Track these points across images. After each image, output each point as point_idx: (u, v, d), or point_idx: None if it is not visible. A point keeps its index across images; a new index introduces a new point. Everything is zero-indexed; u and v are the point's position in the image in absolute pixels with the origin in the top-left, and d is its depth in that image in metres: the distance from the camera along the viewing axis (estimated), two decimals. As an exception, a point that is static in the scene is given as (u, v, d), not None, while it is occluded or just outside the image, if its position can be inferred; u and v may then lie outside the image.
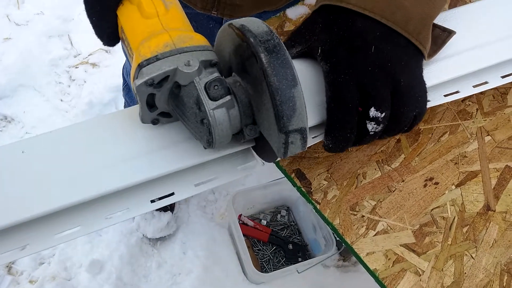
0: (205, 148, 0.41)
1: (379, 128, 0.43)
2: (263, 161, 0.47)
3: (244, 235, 1.37)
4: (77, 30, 1.97)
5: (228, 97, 0.36)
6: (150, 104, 0.39)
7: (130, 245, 1.45)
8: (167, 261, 1.44)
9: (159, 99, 0.39)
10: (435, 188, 0.55)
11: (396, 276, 0.50)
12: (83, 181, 0.41)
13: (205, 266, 1.40)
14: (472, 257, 0.52)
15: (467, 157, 0.58)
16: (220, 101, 0.35)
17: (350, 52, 0.43)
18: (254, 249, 1.45)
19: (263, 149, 0.44)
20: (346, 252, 1.40)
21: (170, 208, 1.55)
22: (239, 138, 0.41)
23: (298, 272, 1.29)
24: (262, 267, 1.42)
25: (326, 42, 0.44)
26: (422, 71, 0.46)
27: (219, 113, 0.36)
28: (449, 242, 0.52)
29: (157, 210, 1.53)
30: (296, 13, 0.66)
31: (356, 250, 0.51)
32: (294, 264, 1.31)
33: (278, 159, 0.42)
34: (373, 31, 0.43)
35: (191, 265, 1.41)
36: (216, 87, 0.35)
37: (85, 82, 1.87)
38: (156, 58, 0.36)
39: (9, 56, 1.81)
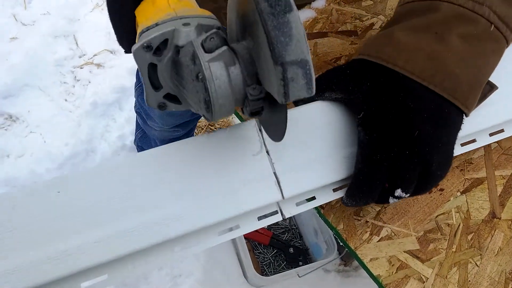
0: (205, 118, 0.36)
1: (399, 200, 0.45)
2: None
3: (245, 238, 1.37)
4: (82, 30, 1.98)
5: (224, 47, 0.32)
6: (155, 84, 0.37)
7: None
8: (167, 263, 1.44)
9: (162, 73, 0.36)
10: (440, 194, 0.55)
11: (400, 282, 0.50)
12: (129, 235, 0.41)
13: (205, 269, 1.39)
14: (477, 265, 0.51)
15: (473, 163, 0.57)
16: (216, 53, 0.32)
17: (392, 130, 0.42)
18: (255, 252, 1.45)
19: (270, 123, 0.41)
20: (347, 256, 1.39)
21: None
22: (245, 107, 0.36)
23: (299, 276, 1.29)
24: (263, 271, 1.42)
25: (370, 109, 0.44)
26: (456, 137, 0.45)
27: (216, 66, 0.32)
28: (454, 249, 0.52)
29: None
30: (302, 17, 0.66)
31: (359, 255, 0.51)
32: (294, 268, 1.30)
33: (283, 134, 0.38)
34: (420, 104, 0.42)
35: (192, 267, 1.41)
36: (212, 39, 0.33)
37: (89, 82, 1.87)
38: (156, 24, 0.35)
39: (15, 55, 1.81)
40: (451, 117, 0.44)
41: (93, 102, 1.76)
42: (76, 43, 1.97)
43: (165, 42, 0.34)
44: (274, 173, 0.46)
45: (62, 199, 0.41)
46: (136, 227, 0.41)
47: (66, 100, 1.83)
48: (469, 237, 0.53)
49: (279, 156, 0.46)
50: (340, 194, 0.48)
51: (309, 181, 0.46)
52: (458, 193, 0.55)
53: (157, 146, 1.26)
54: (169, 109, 0.40)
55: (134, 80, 1.18)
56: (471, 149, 0.53)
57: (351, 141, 0.48)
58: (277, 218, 0.46)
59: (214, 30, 0.33)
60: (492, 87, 0.48)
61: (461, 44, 0.42)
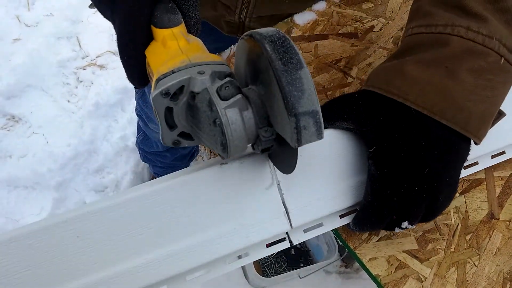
0: (221, 157, 0.41)
1: (403, 230, 0.47)
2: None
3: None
4: (85, 32, 1.99)
5: (239, 96, 0.36)
6: (170, 124, 0.40)
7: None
8: None
9: (177, 115, 0.40)
10: (439, 195, 0.55)
11: (398, 282, 0.50)
12: (145, 272, 0.43)
13: (207, 269, 1.40)
14: (475, 265, 0.52)
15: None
16: (231, 100, 0.36)
17: (403, 167, 0.43)
18: (257, 253, 1.45)
19: (280, 159, 0.44)
20: (348, 258, 1.40)
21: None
22: (256, 146, 0.41)
23: (300, 277, 1.29)
24: (264, 272, 1.42)
25: (382, 144, 0.45)
26: (462, 168, 0.47)
27: (231, 112, 0.36)
28: (452, 249, 0.52)
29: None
30: (303, 19, 0.67)
31: (358, 255, 0.51)
32: (295, 269, 1.31)
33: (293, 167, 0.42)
34: (432, 141, 0.43)
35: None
36: (227, 88, 0.36)
37: (92, 83, 1.88)
38: (172, 72, 0.37)
39: (19, 56, 1.83)
40: (460, 151, 0.45)
41: (96, 103, 1.77)
42: (79, 45, 1.98)
43: (181, 88, 0.37)
44: (284, 204, 0.47)
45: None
46: (149, 263, 0.42)
47: (68, 101, 1.84)
48: (468, 237, 0.53)
49: (288, 185, 0.47)
50: (346, 220, 0.50)
51: (317, 210, 0.48)
52: (457, 194, 0.56)
53: (159, 149, 1.26)
54: (182, 145, 0.43)
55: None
56: (473, 172, 0.54)
57: (358, 170, 0.49)
58: (285, 245, 0.48)
59: (229, 79, 0.37)
60: (500, 114, 0.49)
61: (472, 78, 0.43)
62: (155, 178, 1.54)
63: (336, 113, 0.48)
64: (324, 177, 0.48)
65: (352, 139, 0.49)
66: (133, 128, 1.68)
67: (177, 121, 0.40)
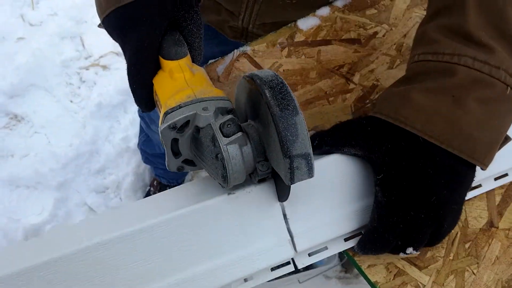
0: (222, 186, 0.44)
1: (408, 255, 0.48)
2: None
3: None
4: (89, 32, 1.99)
5: (239, 133, 0.40)
6: (175, 151, 0.44)
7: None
8: None
9: (183, 145, 0.43)
10: (439, 203, 0.55)
11: (397, 289, 0.50)
12: None
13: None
14: (474, 273, 0.52)
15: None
16: (233, 137, 0.39)
17: (410, 195, 0.44)
18: (256, 256, 1.45)
19: (275, 188, 0.47)
20: (348, 263, 1.39)
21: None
22: (254, 176, 0.44)
23: (300, 282, 1.29)
24: (263, 275, 1.42)
25: (390, 171, 0.45)
26: (467, 192, 0.48)
27: (232, 148, 0.39)
28: (451, 257, 0.52)
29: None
30: (307, 25, 0.67)
31: (357, 262, 0.51)
32: (295, 273, 1.30)
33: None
34: (439, 169, 0.44)
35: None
36: (229, 126, 0.40)
37: (95, 84, 1.89)
38: (179, 107, 0.41)
39: (22, 55, 1.83)
40: (466, 178, 0.46)
41: (98, 103, 1.78)
42: (83, 45, 1.99)
43: (187, 122, 0.41)
44: (288, 231, 0.48)
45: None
46: None
47: (71, 101, 1.84)
48: (467, 245, 0.53)
49: (294, 210, 0.48)
50: (351, 243, 0.51)
51: (321, 234, 0.49)
52: (457, 202, 0.56)
53: (161, 151, 1.28)
54: (185, 171, 0.46)
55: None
56: (477, 194, 0.55)
57: (363, 194, 0.50)
58: (290, 268, 0.49)
59: (230, 116, 0.40)
60: (506, 139, 0.50)
61: (478, 107, 0.44)
62: (156, 180, 1.55)
63: (344, 139, 0.48)
64: (329, 202, 0.49)
65: (357, 164, 0.50)
66: (135, 129, 1.68)
67: (182, 150, 0.44)
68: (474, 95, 0.44)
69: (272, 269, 0.49)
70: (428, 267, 0.52)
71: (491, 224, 0.55)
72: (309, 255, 0.50)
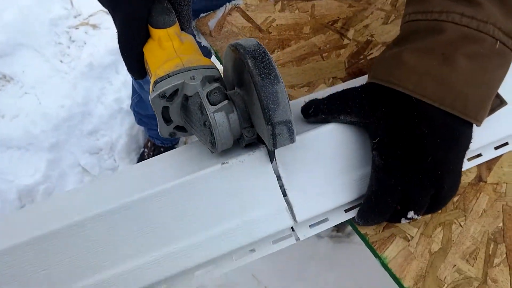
0: (211, 151, 0.45)
1: (410, 221, 0.49)
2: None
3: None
4: (77, -11, 1.94)
5: (225, 102, 0.41)
6: (166, 119, 0.45)
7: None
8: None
9: (173, 112, 0.44)
10: (429, 158, 0.56)
11: (386, 240, 0.52)
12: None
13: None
14: (461, 225, 0.53)
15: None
16: (219, 105, 0.41)
17: (407, 156, 0.45)
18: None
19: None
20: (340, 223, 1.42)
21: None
22: (241, 142, 0.46)
23: (279, 240, 1.32)
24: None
25: (386, 134, 0.46)
26: (465, 155, 0.47)
27: (219, 116, 0.41)
28: (439, 211, 0.54)
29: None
30: (300, -22, 0.65)
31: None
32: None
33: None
34: (434, 128, 0.44)
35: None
36: (215, 94, 0.41)
37: (85, 43, 1.85)
38: (168, 76, 0.42)
39: (9, 13, 1.78)
40: (462, 137, 0.46)
41: (89, 64, 1.75)
42: (71, 3, 1.93)
43: (176, 91, 0.42)
44: (287, 199, 0.48)
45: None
46: (156, 260, 0.45)
47: (61, 61, 1.81)
48: (455, 199, 0.54)
49: (292, 180, 0.48)
50: (351, 214, 0.51)
51: (321, 204, 0.49)
52: (447, 157, 0.56)
53: (153, 111, 1.26)
54: (177, 136, 0.48)
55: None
56: (477, 164, 0.55)
57: (361, 164, 0.50)
58: (291, 241, 0.49)
59: (217, 85, 0.42)
60: (502, 102, 0.50)
61: (468, 63, 0.44)
62: (150, 141, 1.55)
63: (339, 107, 0.48)
64: (327, 172, 0.50)
65: (354, 133, 0.50)
66: (128, 90, 1.67)
67: (173, 117, 0.45)
68: (463, 51, 0.44)
69: (274, 242, 0.49)
70: (417, 220, 0.53)
71: (479, 178, 0.56)
72: (310, 227, 0.50)
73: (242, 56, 0.39)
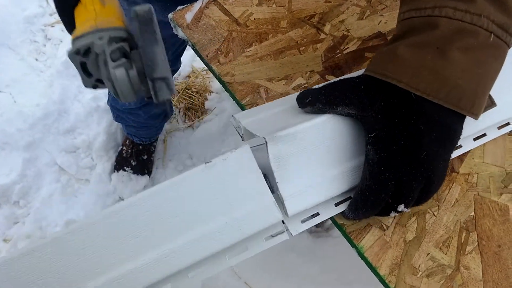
0: (119, 100, 0.50)
1: (399, 214, 0.50)
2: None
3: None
4: (53, -13, 1.90)
5: (123, 59, 0.46)
6: (88, 74, 0.49)
7: (106, 207, 1.46)
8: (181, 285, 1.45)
9: (90, 67, 0.48)
10: (404, 149, 0.57)
11: (362, 230, 0.53)
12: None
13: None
14: (434, 215, 0.54)
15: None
16: (118, 62, 0.46)
17: (402, 152, 0.45)
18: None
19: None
20: (318, 217, 1.44)
21: (147, 171, 1.55)
22: (145, 96, 0.50)
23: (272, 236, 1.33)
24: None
25: (383, 129, 0.46)
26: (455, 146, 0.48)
27: (119, 71, 0.45)
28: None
29: (134, 173, 1.53)
30: (277, -27, 0.66)
31: (325, 205, 0.53)
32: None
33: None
34: (429, 125, 0.45)
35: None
36: (117, 53, 0.46)
37: (61, 41, 1.83)
38: (82, 35, 0.47)
39: (-18, 10, 1.74)
40: (455, 133, 0.47)
41: (65, 61, 1.72)
42: (47, 0, 1.90)
43: (89, 49, 0.47)
44: (275, 193, 0.49)
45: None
46: (147, 263, 0.46)
47: (36, 59, 1.78)
48: (429, 189, 0.56)
49: (283, 173, 0.48)
50: (342, 208, 0.51)
51: (313, 197, 0.49)
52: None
53: (131, 106, 1.27)
54: (100, 88, 0.51)
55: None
56: (458, 154, 0.57)
57: (353, 155, 0.51)
58: (284, 237, 0.49)
59: (120, 44, 0.46)
60: (492, 103, 0.51)
61: (463, 56, 0.44)
62: (129, 139, 1.54)
63: (338, 98, 0.48)
64: (318, 164, 0.50)
65: (346, 125, 0.51)
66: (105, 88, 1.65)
67: (91, 71, 0.49)
68: (457, 44, 0.44)
69: (266, 239, 0.50)
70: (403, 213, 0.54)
71: (452, 169, 0.57)
72: (302, 222, 0.51)
73: (134, 21, 0.44)
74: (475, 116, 0.46)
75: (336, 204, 0.52)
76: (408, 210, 0.49)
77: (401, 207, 0.48)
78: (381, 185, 0.46)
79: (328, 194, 0.50)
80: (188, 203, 0.47)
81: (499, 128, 0.59)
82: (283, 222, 0.50)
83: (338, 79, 0.50)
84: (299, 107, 0.51)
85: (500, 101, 0.53)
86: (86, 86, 0.52)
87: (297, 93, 0.51)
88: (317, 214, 0.51)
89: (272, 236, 0.50)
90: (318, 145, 0.50)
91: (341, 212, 0.52)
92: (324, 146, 0.50)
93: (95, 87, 0.52)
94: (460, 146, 0.57)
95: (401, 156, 0.46)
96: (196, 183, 0.47)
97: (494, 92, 0.49)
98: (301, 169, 0.49)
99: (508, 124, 0.59)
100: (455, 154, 0.57)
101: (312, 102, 0.49)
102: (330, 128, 0.50)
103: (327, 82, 0.50)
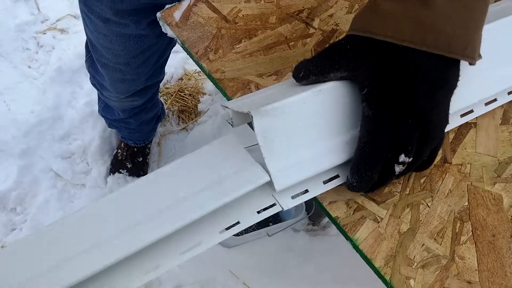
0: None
1: (404, 168, 0.47)
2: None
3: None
4: (44, -6, 1.91)
5: None
6: None
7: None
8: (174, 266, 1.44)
9: None
10: (396, 141, 0.57)
11: (356, 223, 0.53)
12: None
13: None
14: (428, 206, 0.54)
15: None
16: None
17: (396, 104, 0.45)
18: (226, 215, 1.47)
19: None
20: (315, 216, 1.44)
21: (143, 173, 1.55)
22: None
23: (269, 235, 1.33)
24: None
25: (374, 84, 0.45)
26: (453, 93, 0.47)
27: None
28: (407, 192, 0.55)
29: (130, 175, 1.53)
30: (265, -30, 0.66)
31: (319, 199, 0.53)
32: (264, 228, 1.34)
33: None
34: (420, 73, 0.44)
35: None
36: None
37: (53, 48, 1.82)
38: None
39: (-27, 19, 1.74)
40: (450, 78, 0.46)
41: (58, 68, 1.72)
42: (38, 8, 1.90)
43: None
44: (264, 168, 0.48)
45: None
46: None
47: (29, 67, 1.78)
48: (422, 180, 0.56)
49: (269, 148, 0.48)
50: (330, 185, 0.52)
51: (302, 172, 0.49)
52: (413, 140, 0.58)
53: (120, 116, 1.27)
54: None
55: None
56: (468, 120, 0.57)
57: (341, 130, 0.50)
58: (277, 209, 0.49)
59: None
60: (479, 56, 0.49)
61: (447, 3, 0.43)
62: (123, 142, 1.53)
63: (327, 64, 0.48)
64: (305, 139, 0.49)
65: (335, 98, 0.50)
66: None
67: None
68: None
69: (259, 212, 0.49)
70: (386, 202, 0.54)
71: (444, 160, 0.57)
72: (292, 198, 0.50)
73: None
74: (471, 59, 0.45)
75: (325, 182, 0.52)
76: (410, 160, 0.47)
77: (402, 157, 0.46)
78: (378, 139, 0.46)
79: (317, 169, 0.50)
80: (184, 191, 0.47)
81: (486, 104, 0.59)
82: (274, 197, 0.50)
83: (325, 47, 0.50)
84: (297, 82, 0.50)
85: (487, 76, 0.53)
86: None
87: (291, 72, 0.51)
88: (306, 191, 0.51)
89: (265, 209, 0.49)
90: (306, 120, 0.49)
91: (344, 183, 0.51)
92: (312, 121, 0.49)
93: None
94: (472, 111, 0.57)
95: (396, 108, 0.45)
96: (185, 170, 0.47)
97: (480, 68, 0.48)
98: (289, 144, 0.48)
99: (495, 100, 0.59)
100: (468, 118, 0.56)
101: (306, 75, 0.49)
102: (319, 101, 0.49)
103: (317, 52, 0.50)
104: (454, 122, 0.57)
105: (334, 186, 0.52)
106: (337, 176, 0.52)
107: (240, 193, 0.47)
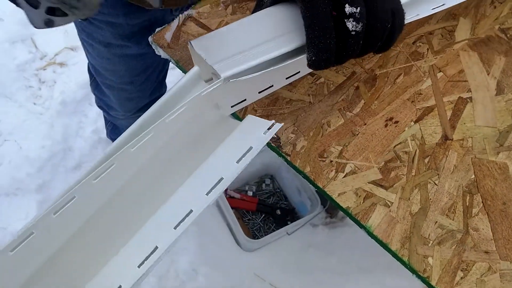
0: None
1: (359, 26, 0.44)
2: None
3: (232, 207, 1.41)
4: (39, 32, 1.95)
5: None
6: (33, 4, 0.39)
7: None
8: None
9: None
10: (395, 126, 0.59)
11: (368, 210, 0.54)
12: None
13: (198, 243, 1.43)
14: (436, 184, 0.56)
15: (422, 94, 0.61)
16: None
17: None
18: (244, 219, 1.49)
19: None
20: (331, 208, 1.45)
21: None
22: None
23: (288, 234, 1.34)
24: (254, 236, 1.46)
25: None
26: None
27: None
28: (413, 173, 0.56)
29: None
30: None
31: (328, 192, 0.55)
32: (283, 227, 1.35)
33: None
34: None
35: (186, 244, 1.45)
36: None
37: (55, 82, 1.86)
38: None
39: (-25, 66, 1.79)
40: None
41: (62, 101, 1.76)
42: (35, 46, 1.94)
43: None
44: (211, 68, 0.48)
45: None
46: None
47: (34, 103, 1.81)
48: (426, 160, 0.57)
49: (212, 56, 0.49)
50: (293, 78, 0.55)
51: (245, 63, 0.48)
52: (412, 123, 0.59)
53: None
54: (57, 25, 0.41)
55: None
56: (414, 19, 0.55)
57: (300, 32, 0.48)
58: (219, 82, 0.48)
59: None
60: None
61: None
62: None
63: None
64: (244, 42, 0.49)
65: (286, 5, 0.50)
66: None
67: None
68: None
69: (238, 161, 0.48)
70: (394, 186, 0.55)
71: (445, 137, 0.59)
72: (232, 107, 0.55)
73: None
74: None
75: (287, 78, 0.56)
76: (358, 9, 0.43)
77: (347, 8, 0.43)
78: (316, 1, 0.43)
79: (261, 58, 0.48)
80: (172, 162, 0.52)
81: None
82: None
83: None
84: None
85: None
86: (36, 26, 0.41)
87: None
88: (244, 100, 0.55)
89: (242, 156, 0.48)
90: (245, 33, 0.50)
91: (308, 64, 0.47)
92: (251, 33, 0.50)
93: (49, 23, 0.41)
94: (418, 15, 0.55)
95: None
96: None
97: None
98: (230, 45, 0.49)
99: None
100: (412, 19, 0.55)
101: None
102: (259, 19, 0.50)
103: None
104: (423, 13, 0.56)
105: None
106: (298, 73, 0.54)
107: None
